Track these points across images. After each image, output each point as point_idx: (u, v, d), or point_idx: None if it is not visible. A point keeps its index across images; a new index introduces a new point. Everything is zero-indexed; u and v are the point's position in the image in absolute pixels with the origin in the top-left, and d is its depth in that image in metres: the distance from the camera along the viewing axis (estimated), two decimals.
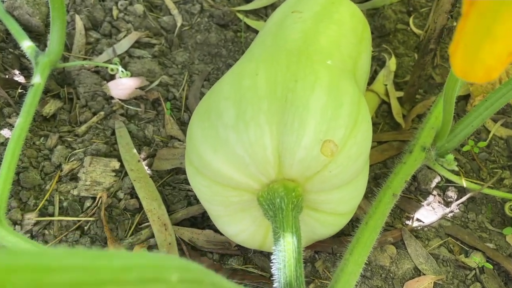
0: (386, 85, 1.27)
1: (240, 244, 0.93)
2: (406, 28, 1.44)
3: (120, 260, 0.35)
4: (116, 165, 1.03)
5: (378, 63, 1.34)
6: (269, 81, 0.76)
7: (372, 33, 1.39)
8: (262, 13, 1.42)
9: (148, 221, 0.98)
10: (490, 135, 1.22)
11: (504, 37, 0.36)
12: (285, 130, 0.73)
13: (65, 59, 1.23)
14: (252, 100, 0.75)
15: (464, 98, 1.29)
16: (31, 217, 0.95)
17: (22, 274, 0.28)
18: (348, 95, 0.77)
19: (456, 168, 1.09)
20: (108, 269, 0.33)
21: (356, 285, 0.94)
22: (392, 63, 1.32)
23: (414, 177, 1.11)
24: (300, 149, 0.72)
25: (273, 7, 1.43)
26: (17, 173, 0.98)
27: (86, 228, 0.97)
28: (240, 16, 1.38)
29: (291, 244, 0.73)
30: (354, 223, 0.98)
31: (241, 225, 0.86)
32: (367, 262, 0.97)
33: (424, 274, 0.97)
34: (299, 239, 0.74)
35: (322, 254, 0.97)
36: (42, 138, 1.06)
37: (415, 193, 1.10)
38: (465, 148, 1.15)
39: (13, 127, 1.04)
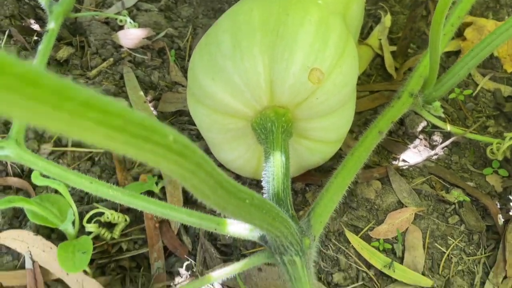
0: (380, 39, 1.33)
1: (236, 173, 1.02)
2: None
3: (129, 113, 0.42)
4: (125, 104, 1.11)
5: (374, 19, 1.41)
6: (263, 16, 0.83)
7: None
8: None
9: None
10: (478, 88, 1.28)
11: None
12: (276, 59, 0.80)
13: (77, 11, 1.31)
14: (247, 33, 0.82)
15: (455, 54, 1.35)
16: (46, 147, 1.04)
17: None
18: (336, 31, 0.85)
19: (443, 115, 1.16)
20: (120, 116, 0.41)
21: (341, 212, 1.03)
22: (387, 19, 1.38)
23: (402, 122, 1.18)
24: (290, 76, 0.80)
25: None
26: None
27: (96, 159, 1.06)
28: None
29: (280, 161, 0.81)
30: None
31: (237, 152, 0.94)
32: (353, 195, 1.05)
33: (406, 207, 1.05)
34: (287, 157, 0.82)
35: (312, 187, 1.05)
36: (57, 66, 1.15)
37: (402, 137, 1.18)
38: (451, 96, 1.22)
39: None
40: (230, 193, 0.58)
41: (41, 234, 0.91)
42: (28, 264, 0.88)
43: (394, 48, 1.33)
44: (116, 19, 1.28)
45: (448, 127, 1.14)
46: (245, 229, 0.80)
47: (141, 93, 1.15)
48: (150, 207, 0.80)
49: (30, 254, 0.88)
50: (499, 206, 1.07)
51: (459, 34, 1.37)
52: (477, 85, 1.29)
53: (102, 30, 1.27)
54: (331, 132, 0.91)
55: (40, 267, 0.89)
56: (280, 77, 0.80)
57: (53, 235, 0.95)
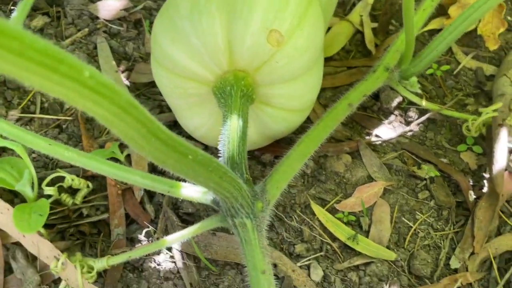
0: (362, 16, 1.31)
1: (202, 142, 1.01)
2: None
3: (30, 37, 0.41)
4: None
5: None
6: None
7: None
8: None
9: None
10: (460, 66, 1.25)
11: None
12: (234, 18, 0.78)
13: None
14: None
15: (438, 32, 1.32)
16: (14, 114, 1.04)
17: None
18: None
19: (419, 91, 1.14)
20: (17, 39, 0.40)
21: (308, 185, 1.01)
22: None
23: (377, 98, 1.16)
24: (248, 36, 0.78)
25: None
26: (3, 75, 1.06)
27: (64, 126, 1.05)
28: None
29: (236, 124, 0.79)
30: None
31: (199, 119, 0.93)
32: (322, 168, 1.04)
33: (375, 181, 1.03)
34: (244, 122, 0.81)
35: (281, 158, 1.04)
36: None
37: (377, 112, 1.15)
38: (429, 71, 1.19)
39: None
40: (168, 145, 0.57)
41: (2, 198, 0.91)
42: None
43: (375, 25, 1.30)
44: None
45: (424, 103, 1.11)
46: (198, 192, 0.79)
47: (114, 63, 1.14)
48: (103, 168, 0.79)
49: None
50: (472, 183, 1.05)
51: (444, 12, 1.34)
52: (459, 63, 1.27)
53: (79, 1, 1.26)
54: (294, 99, 0.89)
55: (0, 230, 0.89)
56: (238, 37, 0.79)
57: (16, 200, 0.94)
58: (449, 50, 1.28)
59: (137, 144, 0.55)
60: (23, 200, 0.92)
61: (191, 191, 0.78)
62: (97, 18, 1.24)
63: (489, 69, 1.25)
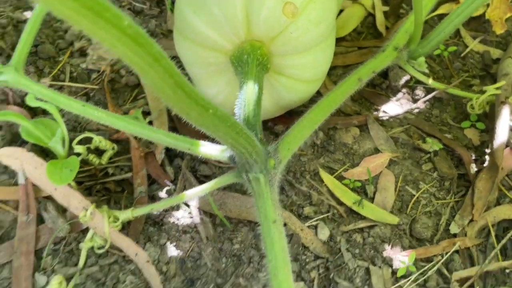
0: None
1: None
2: None
3: None
4: None
5: None
6: None
7: None
8: None
9: (144, 94, 1.14)
10: (468, 50, 1.30)
11: None
12: None
13: None
14: None
15: None
16: (45, 81, 1.12)
17: None
18: None
19: (427, 71, 1.19)
20: None
21: (318, 154, 1.08)
22: None
23: (386, 76, 1.21)
24: (264, 8, 0.85)
25: None
26: (35, 45, 1.15)
27: (91, 94, 1.13)
28: None
29: (252, 89, 0.86)
30: None
31: (217, 87, 1.00)
32: (331, 139, 1.10)
33: (382, 153, 1.09)
34: (260, 88, 0.87)
35: None
36: (59, 22, 1.22)
37: (386, 90, 1.21)
38: (436, 52, 1.24)
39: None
40: (191, 98, 0.64)
41: (37, 154, 0.99)
42: (21, 180, 0.96)
43: (386, 8, 1.36)
44: None
45: (431, 82, 1.16)
46: (216, 149, 0.86)
47: None
48: (129, 127, 0.87)
49: (23, 170, 0.96)
50: (474, 158, 1.10)
51: None
52: (467, 46, 1.32)
53: None
54: (307, 70, 0.95)
55: (33, 184, 0.97)
56: (255, 9, 0.85)
57: (47, 158, 1.02)
58: (458, 34, 1.33)
59: (165, 94, 0.62)
60: (54, 158, 1.00)
61: (210, 149, 0.85)
62: None
63: (495, 52, 1.30)
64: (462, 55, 1.29)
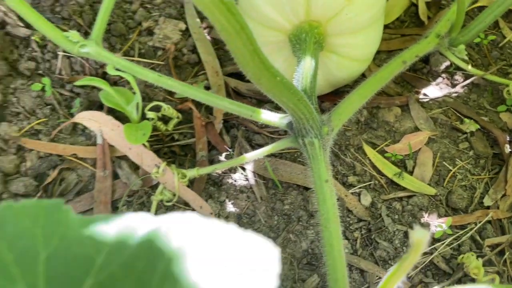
0: None
1: None
2: None
3: None
4: (183, 26, 1.30)
5: None
6: None
7: None
8: None
9: (205, 71, 1.25)
10: (506, 40, 1.37)
11: None
12: None
13: None
14: None
15: None
16: (117, 56, 1.25)
17: None
18: None
19: (466, 58, 1.27)
20: None
21: (361, 130, 1.17)
22: None
23: (427, 62, 1.30)
24: None
25: None
26: (108, 24, 1.28)
27: (157, 69, 1.25)
28: None
29: (309, 64, 0.96)
30: None
31: (276, 63, 1.08)
32: (374, 117, 1.20)
33: (421, 131, 1.18)
34: (316, 63, 0.97)
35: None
36: (127, 3, 1.35)
37: (426, 75, 1.29)
38: (476, 40, 1.32)
39: None
40: (264, 64, 0.75)
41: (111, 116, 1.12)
42: (99, 140, 1.10)
43: None
44: None
45: (469, 68, 1.24)
46: (276, 117, 0.97)
47: (198, 20, 1.33)
48: (199, 95, 0.98)
49: (101, 131, 1.09)
50: (508, 139, 1.17)
51: None
52: (505, 37, 1.38)
53: None
54: (357, 49, 1.05)
55: (109, 145, 1.10)
56: None
57: (122, 122, 1.15)
58: (497, 25, 1.40)
59: (244, 59, 0.74)
60: (126, 121, 1.13)
61: (270, 116, 0.96)
62: None
63: None
64: (500, 45, 1.36)
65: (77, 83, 1.04)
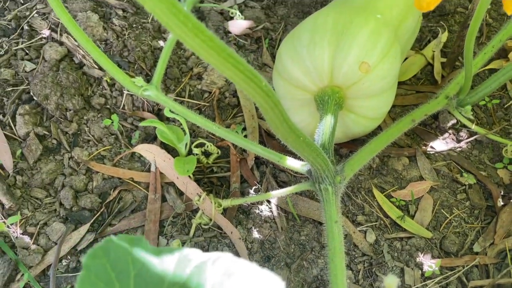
0: (434, 51, 1.63)
1: None
2: (465, 11, 1.76)
3: (245, 63, 0.81)
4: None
5: (433, 35, 1.70)
6: (335, 21, 1.19)
7: (433, 11, 1.75)
8: None
9: (242, 113, 1.48)
10: (511, 102, 1.54)
11: None
12: (338, 52, 1.16)
13: (201, 1, 1.75)
14: (322, 31, 1.19)
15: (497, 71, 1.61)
16: (171, 96, 1.49)
17: None
18: (384, 38, 1.18)
19: (471, 117, 1.44)
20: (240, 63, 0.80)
21: (373, 176, 1.36)
22: (444, 36, 1.67)
23: (436, 118, 1.48)
24: (345, 65, 1.16)
25: None
26: (166, 68, 1.52)
27: (203, 109, 1.49)
28: None
29: (329, 123, 1.17)
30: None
31: (301, 117, 1.31)
32: (385, 165, 1.38)
33: (425, 180, 1.36)
34: (335, 122, 1.18)
35: (354, 152, 1.40)
36: (182, 50, 1.59)
37: (435, 129, 1.47)
38: (481, 103, 1.49)
39: (165, 40, 1.58)
40: (291, 128, 0.96)
41: (164, 149, 1.35)
42: (153, 168, 1.33)
43: (444, 60, 1.62)
44: (229, 11, 1.70)
45: (474, 127, 1.42)
46: (298, 164, 1.17)
47: None
48: (237, 140, 1.20)
49: (155, 161, 1.33)
50: (502, 194, 1.34)
51: (505, 55, 1.62)
52: (511, 98, 1.55)
53: (217, 18, 1.70)
54: (372, 110, 1.25)
55: (160, 172, 1.33)
56: (338, 65, 1.16)
57: (169, 153, 1.39)
58: (504, 87, 1.57)
59: (276, 126, 0.94)
60: (175, 154, 1.37)
61: (293, 163, 1.17)
62: (229, 32, 1.68)
63: None
64: (506, 106, 1.52)
65: (142, 123, 1.28)
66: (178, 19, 0.63)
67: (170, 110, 1.32)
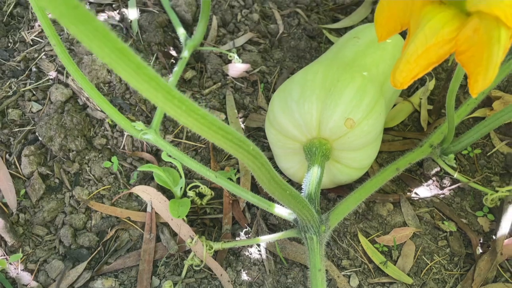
0: (421, 99, 1.71)
1: (289, 178, 1.47)
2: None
3: (230, 131, 0.89)
4: (223, 117, 1.61)
5: (421, 82, 1.78)
6: (323, 78, 1.28)
7: None
8: (342, 32, 1.92)
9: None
10: (494, 149, 1.61)
11: (405, 70, 0.84)
12: (325, 108, 1.24)
13: (201, 44, 1.84)
14: (311, 87, 1.27)
15: (482, 119, 1.68)
16: (169, 138, 1.57)
17: None
18: (370, 95, 1.26)
19: (455, 165, 1.51)
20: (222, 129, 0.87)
21: (359, 220, 1.43)
22: (431, 84, 1.75)
23: (421, 165, 1.55)
24: (332, 121, 1.23)
25: (351, 28, 1.92)
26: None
27: (199, 151, 1.56)
28: (325, 32, 1.90)
29: (316, 174, 1.24)
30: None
31: (291, 163, 1.39)
32: (370, 210, 1.45)
33: (408, 227, 1.42)
34: (321, 173, 1.25)
35: (341, 197, 1.46)
36: (181, 92, 1.67)
37: (419, 176, 1.54)
38: (464, 152, 1.56)
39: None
40: (278, 184, 1.03)
41: (160, 192, 1.42)
42: (149, 209, 1.40)
43: (430, 107, 1.69)
44: (227, 54, 1.79)
45: (456, 175, 1.49)
46: (286, 212, 1.24)
47: (235, 111, 1.64)
48: (230, 187, 1.27)
49: (151, 202, 1.40)
50: (481, 241, 1.40)
51: (489, 104, 1.70)
52: (494, 146, 1.62)
53: (216, 61, 1.78)
54: (356, 162, 1.32)
55: (156, 213, 1.40)
56: (325, 120, 1.24)
57: (165, 194, 1.46)
58: (488, 135, 1.64)
59: (263, 182, 1.02)
60: (170, 195, 1.44)
61: (281, 211, 1.24)
62: (227, 75, 1.76)
63: None
64: (488, 154, 1.60)
65: (140, 168, 1.35)
66: (173, 103, 0.70)
67: (167, 154, 1.40)
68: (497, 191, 1.42)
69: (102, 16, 1.81)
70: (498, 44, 0.77)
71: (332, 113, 1.23)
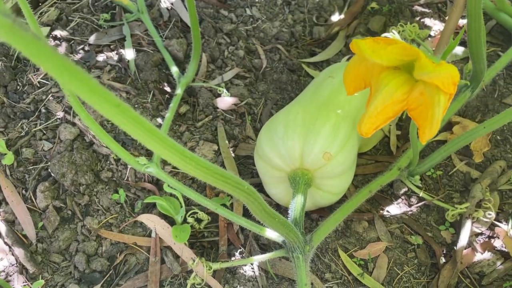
0: (390, 125, 1.93)
1: (277, 202, 1.66)
2: None
3: (229, 176, 1.07)
4: (215, 148, 1.80)
5: None
6: (303, 118, 1.48)
7: None
8: (319, 65, 2.14)
9: None
10: (455, 169, 1.83)
11: (368, 123, 1.05)
12: (306, 144, 1.44)
13: (193, 80, 2.03)
14: (293, 126, 1.47)
15: (443, 143, 1.91)
16: (168, 168, 1.75)
17: None
18: (343, 131, 1.47)
19: (420, 185, 1.73)
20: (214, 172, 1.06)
21: (338, 237, 1.63)
22: None
23: (392, 185, 1.76)
24: (312, 154, 1.43)
25: (328, 62, 2.13)
26: None
27: (195, 179, 1.74)
28: (304, 66, 2.11)
29: (300, 200, 1.44)
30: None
31: (278, 189, 1.59)
32: (348, 228, 1.66)
33: (381, 241, 1.63)
34: (305, 199, 1.45)
35: (323, 218, 1.67)
36: (177, 126, 1.86)
37: (390, 196, 1.76)
38: (428, 173, 1.78)
39: (163, 117, 1.85)
40: (267, 213, 1.22)
41: (162, 218, 1.60)
42: (153, 235, 1.58)
43: (399, 132, 1.91)
44: (217, 89, 1.98)
45: (421, 194, 1.70)
46: (275, 235, 1.44)
47: (226, 141, 1.83)
48: (225, 214, 1.46)
49: (155, 229, 1.58)
50: (444, 252, 1.62)
51: (450, 128, 1.92)
52: (455, 166, 1.85)
53: (207, 95, 1.97)
54: (334, 188, 1.53)
55: (159, 238, 1.58)
56: (307, 153, 1.44)
57: (166, 220, 1.64)
58: (449, 156, 1.87)
59: (255, 211, 1.21)
60: (171, 221, 1.62)
61: (271, 234, 1.43)
62: (217, 108, 1.95)
63: (475, 173, 1.82)
64: (450, 173, 1.82)
65: (146, 200, 1.53)
66: (186, 162, 0.88)
67: (168, 185, 1.58)
68: (456, 208, 1.64)
69: (101, 57, 1.99)
70: (438, 106, 0.99)
71: (312, 148, 1.43)
